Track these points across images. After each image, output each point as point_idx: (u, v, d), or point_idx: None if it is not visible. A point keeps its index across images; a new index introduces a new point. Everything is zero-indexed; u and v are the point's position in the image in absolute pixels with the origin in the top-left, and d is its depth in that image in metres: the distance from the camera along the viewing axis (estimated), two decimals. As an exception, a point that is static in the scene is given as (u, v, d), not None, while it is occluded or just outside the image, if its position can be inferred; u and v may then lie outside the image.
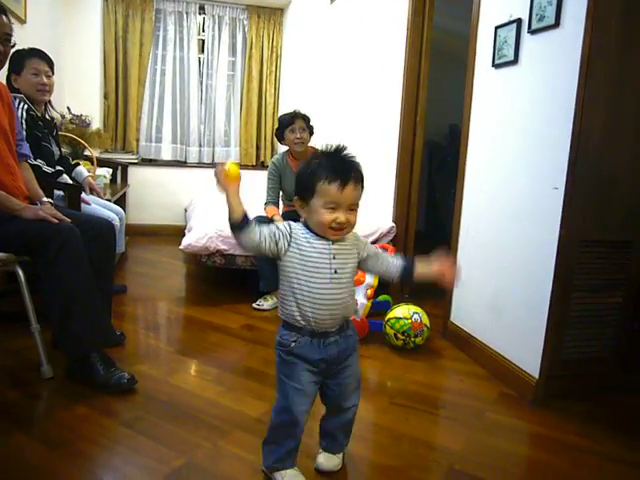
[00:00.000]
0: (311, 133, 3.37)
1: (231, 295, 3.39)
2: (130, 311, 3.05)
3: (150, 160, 5.53)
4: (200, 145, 5.72)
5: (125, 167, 4.92)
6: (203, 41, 5.67)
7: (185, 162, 5.66)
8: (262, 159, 5.80)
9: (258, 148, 5.81)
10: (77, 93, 4.14)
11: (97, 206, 2.87)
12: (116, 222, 2.86)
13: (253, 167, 5.78)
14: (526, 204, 2.25)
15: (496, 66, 2.47)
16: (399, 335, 2.63)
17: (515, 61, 2.32)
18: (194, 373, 2.30)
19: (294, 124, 3.29)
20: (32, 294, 2.12)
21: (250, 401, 2.05)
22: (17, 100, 2.55)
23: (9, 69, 2.66)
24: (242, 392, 2.13)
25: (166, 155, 5.58)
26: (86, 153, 4.00)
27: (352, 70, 4.33)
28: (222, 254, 3.25)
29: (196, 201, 4.72)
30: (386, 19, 3.76)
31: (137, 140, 5.44)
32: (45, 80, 2.70)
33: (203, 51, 5.68)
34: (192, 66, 5.59)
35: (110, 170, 4.39)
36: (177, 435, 1.78)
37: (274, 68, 5.75)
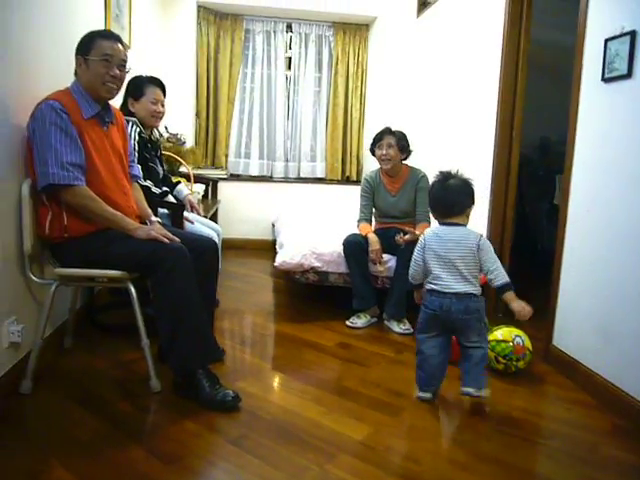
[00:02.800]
0: (403, 151, 3.32)
1: (323, 312, 3.40)
2: (225, 326, 3.13)
3: (238, 175, 5.68)
4: (286, 160, 5.81)
5: (215, 183, 5.08)
6: (290, 58, 5.78)
7: (271, 177, 5.77)
8: (347, 174, 5.81)
9: (344, 163, 5.83)
10: (173, 113, 4.30)
11: (198, 224, 2.97)
12: (216, 239, 2.94)
13: (339, 182, 5.81)
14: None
15: (606, 80, 2.35)
16: (500, 359, 2.53)
17: (629, 75, 2.20)
18: (293, 392, 2.30)
19: (382, 140, 3.28)
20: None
21: (352, 423, 2.03)
22: (130, 123, 2.69)
23: (126, 93, 2.82)
24: (343, 413, 2.11)
25: (253, 170, 5.71)
26: (181, 169, 4.16)
27: (443, 84, 4.27)
28: (316, 271, 3.27)
29: (284, 216, 4.80)
30: (479, 31, 3.68)
31: (226, 156, 5.61)
32: (161, 109, 2.85)
33: (290, 68, 5.79)
34: (279, 83, 5.71)
35: (203, 186, 4.54)
36: (283, 456, 1.79)
37: (360, 83, 5.77)
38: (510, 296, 2.11)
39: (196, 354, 2.11)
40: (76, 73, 2.16)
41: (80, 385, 2.26)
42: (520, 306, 2.08)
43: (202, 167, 5.23)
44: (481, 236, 2.16)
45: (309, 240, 3.34)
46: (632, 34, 2.17)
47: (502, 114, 3.38)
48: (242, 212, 5.54)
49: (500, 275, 2.11)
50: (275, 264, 3.26)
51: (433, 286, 2.18)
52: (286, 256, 3.21)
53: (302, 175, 5.82)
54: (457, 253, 2.13)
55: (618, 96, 2.29)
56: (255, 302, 3.66)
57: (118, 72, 2.15)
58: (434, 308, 2.17)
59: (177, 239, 2.16)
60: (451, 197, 2.18)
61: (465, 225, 2.20)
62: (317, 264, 3.23)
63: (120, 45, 2.18)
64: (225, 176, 5.43)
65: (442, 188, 2.21)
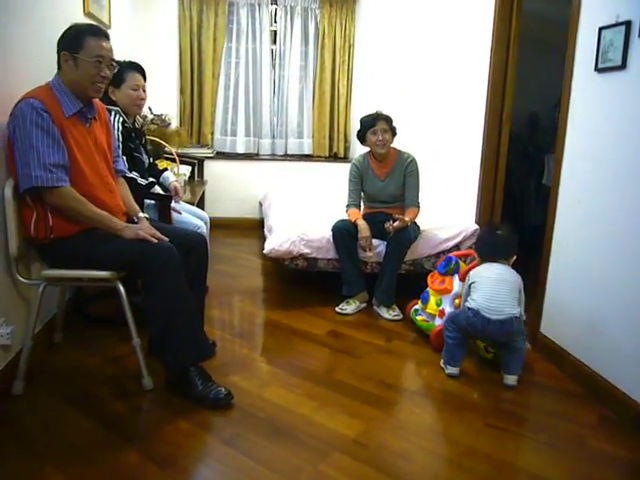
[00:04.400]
0: (394, 134, 3.29)
1: (313, 297, 3.40)
2: (215, 314, 3.11)
3: (224, 153, 5.60)
4: (273, 137, 5.74)
5: (202, 162, 5.01)
6: (275, 32, 5.65)
7: (258, 155, 5.71)
8: (335, 150, 5.75)
9: (331, 139, 5.76)
10: (156, 92, 4.18)
11: (186, 214, 2.93)
12: (204, 230, 2.92)
13: (326, 159, 5.75)
14: (633, 219, 2.12)
15: (599, 70, 2.32)
16: (489, 348, 2.56)
17: (623, 66, 2.17)
18: (286, 386, 2.32)
19: (376, 126, 3.22)
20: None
21: (345, 419, 2.06)
22: (112, 113, 2.62)
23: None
24: (336, 408, 2.14)
25: (240, 148, 5.63)
26: (167, 149, 4.08)
27: (431, 61, 4.20)
28: (305, 257, 3.26)
29: (271, 195, 4.76)
30: (470, 6, 3.60)
31: (212, 134, 5.52)
32: (143, 94, 2.77)
33: (275, 42, 5.66)
34: (265, 58, 5.58)
35: (189, 167, 4.48)
36: (278, 456, 1.82)
37: (347, 57, 5.65)
38: None
39: (188, 353, 2.11)
40: (59, 68, 2.09)
41: (72, 384, 2.25)
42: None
43: (188, 147, 5.15)
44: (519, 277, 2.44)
45: (297, 225, 3.32)
46: (627, 24, 2.13)
47: (492, 93, 3.36)
48: (229, 191, 5.48)
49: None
50: (264, 251, 3.25)
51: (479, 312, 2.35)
52: (275, 243, 3.20)
53: (289, 152, 5.76)
54: (506, 288, 2.37)
55: (611, 88, 2.27)
56: (244, 287, 3.66)
57: (108, 72, 2.09)
58: (476, 330, 2.38)
59: (165, 238, 2.13)
60: (502, 248, 2.51)
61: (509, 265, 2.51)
62: (306, 250, 3.23)
63: (109, 42, 2.10)
64: (211, 155, 5.35)
65: (493, 238, 2.56)
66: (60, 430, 1.91)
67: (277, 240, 3.22)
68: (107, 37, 2.12)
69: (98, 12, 3.43)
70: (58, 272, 2.14)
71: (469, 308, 2.37)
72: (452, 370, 2.45)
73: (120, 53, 2.79)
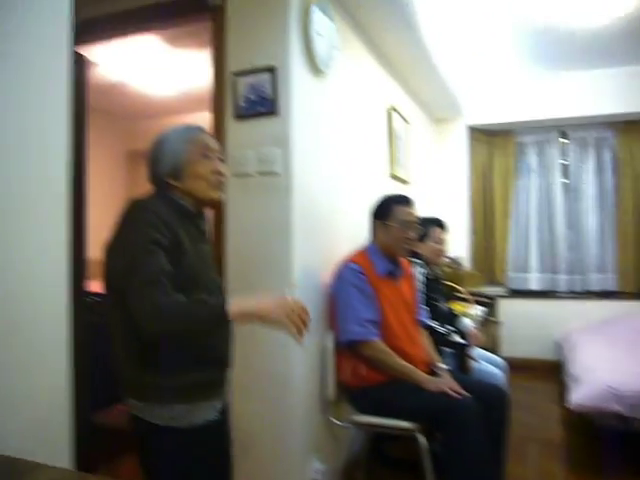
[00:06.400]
0: None
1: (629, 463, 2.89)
2: (510, 470, 2.83)
3: (517, 291, 5.46)
4: (570, 273, 5.41)
5: (495, 301, 4.95)
6: (566, 165, 5.52)
7: (555, 292, 5.40)
8: (645, 285, 5.12)
9: (638, 273, 5.16)
10: (450, 235, 4.37)
11: (482, 362, 2.90)
12: (502, 380, 2.83)
13: (634, 296, 5.12)
14: None
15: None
16: None
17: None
18: None
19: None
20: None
21: None
22: (416, 266, 2.84)
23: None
24: None
25: (534, 285, 5.44)
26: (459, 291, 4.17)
27: None
28: (619, 416, 2.86)
29: (575, 337, 4.39)
30: None
31: (504, 272, 5.47)
32: (444, 247, 2.99)
33: (567, 175, 5.51)
34: (557, 192, 5.46)
35: (483, 308, 4.47)
36: None
37: (653, 185, 5.16)
38: None
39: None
40: (374, 235, 2.41)
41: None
42: None
43: (480, 286, 5.18)
44: None
45: (606, 375, 2.97)
46: None
47: None
48: (523, 330, 5.23)
49: None
50: (569, 405, 2.95)
51: None
52: (582, 397, 2.88)
53: (589, 288, 5.32)
54: None
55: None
56: (542, 440, 3.33)
57: (413, 234, 2.34)
58: None
59: (467, 394, 2.14)
60: None
61: None
62: (617, 408, 2.83)
63: (413, 208, 2.37)
64: (504, 293, 5.28)
65: None
66: None
67: (585, 393, 2.90)
68: (411, 203, 2.39)
69: (399, 171, 3.87)
70: (365, 418, 2.30)
71: None
72: None
73: (418, 204, 3.08)
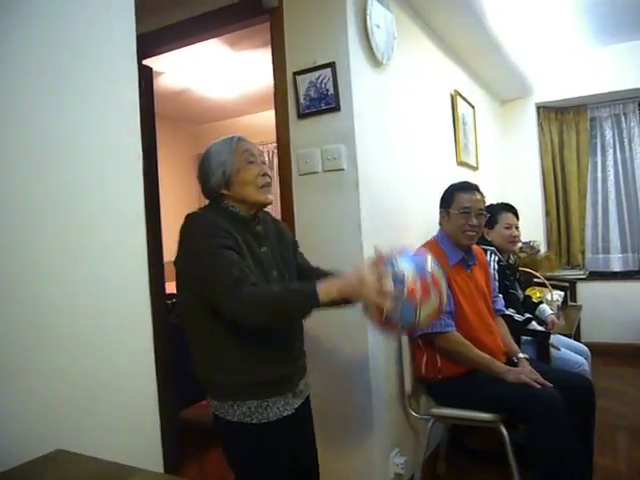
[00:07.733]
0: None
1: None
2: (599, 461, 2.73)
3: (597, 273, 5.22)
4: (655, 251, 5.12)
5: (573, 284, 4.76)
6: (647, 138, 5.20)
7: (638, 272, 5.12)
8: None
9: None
10: (523, 221, 4.20)
11: (564, 349, 2.80)
12: (585, 368, 2.72)
13: None
14: None
15: None
16: None
17: None
18: None
19: None
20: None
21: None
22: (488, 253, 2.77)
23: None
24: None
25: (615, 266, 5.18)
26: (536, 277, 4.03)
27: None
28: None
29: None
30: None
31: (582, 253, 5.24)
32: (516, 232, 2.90)
33: (648, 149, 5.19)
34: (637, 168, 5.16)
35: (561, 293, 4.30)
36: None
37: None
38: None
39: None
40: (440, 224, 2.38)
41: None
42: None
43: (558, 270, 4.99)
44: None
45: None
46: None
47: None
48: (606, 313, 4.99)
49: None
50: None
51: None
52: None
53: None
54: None
55: None
56: (633, 428, 3.18)
57: (476, 221, 2.28)
58: None
59: (548, 384, 2.07)
60: None
61: None
62: None
63: (478, 195, 2.32)
64: (583, 276, 5.05)
65: None
66: None
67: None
68: (476, 190, 2.33)
69: (467, 158, 3.78)
70: (444, 411, 2.28)
71: None
72: None
73: (487, 190, 3.00)
